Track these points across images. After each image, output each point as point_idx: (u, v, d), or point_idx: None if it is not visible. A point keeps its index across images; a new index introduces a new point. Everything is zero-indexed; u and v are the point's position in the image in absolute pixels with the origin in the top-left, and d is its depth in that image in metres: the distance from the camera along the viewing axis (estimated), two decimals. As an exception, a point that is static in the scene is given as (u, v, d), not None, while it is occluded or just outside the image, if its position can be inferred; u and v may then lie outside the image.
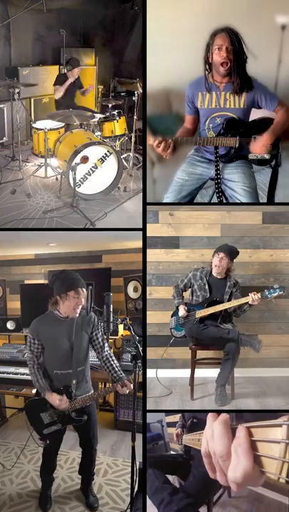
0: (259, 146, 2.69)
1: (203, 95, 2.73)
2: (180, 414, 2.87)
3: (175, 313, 3.37)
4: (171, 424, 3.19)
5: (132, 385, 2.42)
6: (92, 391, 2.65)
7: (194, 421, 2.54)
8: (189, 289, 3.38)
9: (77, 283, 2.45)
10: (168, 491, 2.18)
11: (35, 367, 2.54)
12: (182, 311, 3.26)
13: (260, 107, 2.73)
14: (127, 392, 2.45)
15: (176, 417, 2.98)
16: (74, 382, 2.51)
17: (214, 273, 3.27)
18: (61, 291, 2.45)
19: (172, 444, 3.23)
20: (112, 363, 2.55)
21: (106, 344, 2.60)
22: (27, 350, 2.58)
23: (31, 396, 2.92)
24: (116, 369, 2.53)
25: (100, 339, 2.58)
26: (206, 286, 3.26)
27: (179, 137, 2.76)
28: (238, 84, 2.64)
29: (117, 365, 2.56)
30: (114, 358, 2.59)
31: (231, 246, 3.28)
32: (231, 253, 3.24)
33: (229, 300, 3.22)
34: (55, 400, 2.46)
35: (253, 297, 3.00)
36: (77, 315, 2.50)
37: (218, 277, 3.27)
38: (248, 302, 3.05)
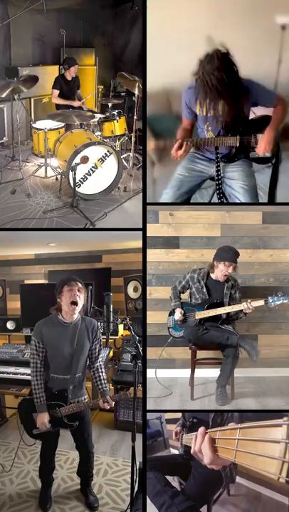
0: (263, 144, 2.68)
1: (201, 103, 2.66)
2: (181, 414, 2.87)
3: (172, 312, 3.35)
4: (170, 421, 3.18)
5: (113, 403, 2.50)
6: (86, 395, 2.67)
7: (194, 421, 2.55)
8: (187, 291, 3.36)
9: (69, 278, 2.52)
10: (169, 494, 2.21)
11: (38, 377, 2.51)
12: (178, 315, 3.23)
13: (257, 105, 2.72)
14: (108, 408, 2.52)
15: (176, 414, 2.99)
16: (71, 387, 2.52)
17: (216, 278, 3.20)
18: (58, 291, 2.52)
19: (171, 441, 3.23)
20: (100, 374, 2.63)
21: (100, 355, 2.67)
22: (33, 355, 2.55)
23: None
24: (102, 381, 2.62)
25: (97, 350, 2.64)
26: (204, 289, 3.22)
27: (185, 138, 2.74)
28: (229, 102, 2.57)
29: (104, 377, 2.64)
30: (103, 370, 2.67)
31: (234, 251, 3.15)
32: (237, 258, 3.16)
33: (229, 301, 3.20)
34: (42, 422, 2.46)
35: (246, 305, 2.99)
36: (75, 316, 2.51)
37: (218, 280, 3.22)
38: (242, 310, 3.04)
